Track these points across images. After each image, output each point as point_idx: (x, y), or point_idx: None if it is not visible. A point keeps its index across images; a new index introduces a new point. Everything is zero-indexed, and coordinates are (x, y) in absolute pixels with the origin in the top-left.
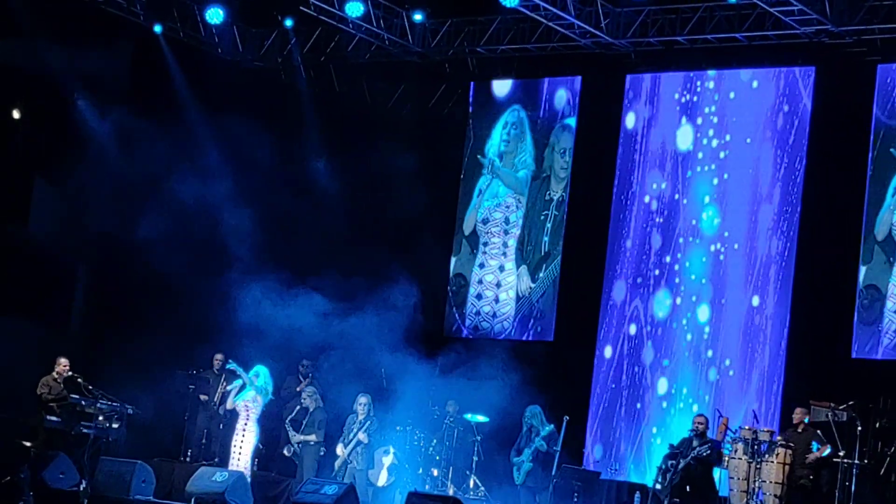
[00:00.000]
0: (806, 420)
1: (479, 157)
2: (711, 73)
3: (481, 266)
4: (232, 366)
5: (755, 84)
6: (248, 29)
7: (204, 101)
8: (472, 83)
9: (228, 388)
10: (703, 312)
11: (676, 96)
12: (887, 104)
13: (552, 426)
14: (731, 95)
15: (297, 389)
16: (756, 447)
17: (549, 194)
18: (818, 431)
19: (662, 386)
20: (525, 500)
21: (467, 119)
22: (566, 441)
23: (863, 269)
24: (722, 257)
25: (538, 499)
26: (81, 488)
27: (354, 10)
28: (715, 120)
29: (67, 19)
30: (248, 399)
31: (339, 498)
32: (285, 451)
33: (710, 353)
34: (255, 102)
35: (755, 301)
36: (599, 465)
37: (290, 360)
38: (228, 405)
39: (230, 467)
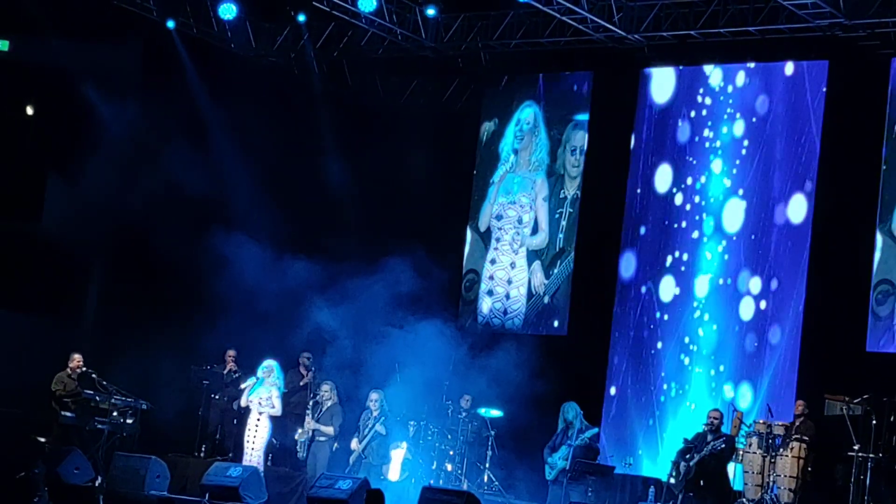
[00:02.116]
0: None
1: (495, 152)
2: (716, 67)
3: (493, 262)
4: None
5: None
6: (261, 24)
7: (217, 97)
8: (485, 78)
9: (242, 386)
10: (716, 306)
11: (687, 89)
12: None
13: (597, 429)
14: (746, 88)
15: (301, 383)
16: (770, 441)
17: (564, 192)
18: (812, 424)
19: (677, 380)
20: (554, 495)
21: (480, 114)
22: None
23: (876, 263)
24: (737, 251)
25: (570, 494)
26: (96, 484)
27: (367, 5)
28: (729, 113)
29: (80, 15)
30: (262, 396)
31: (353, 493)
32: (296, 436)
33: (723, 346)
34: (268, 98)
35: (769, 294)
36: (614, 460)
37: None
38: (242, 402)
39: (243, 462)
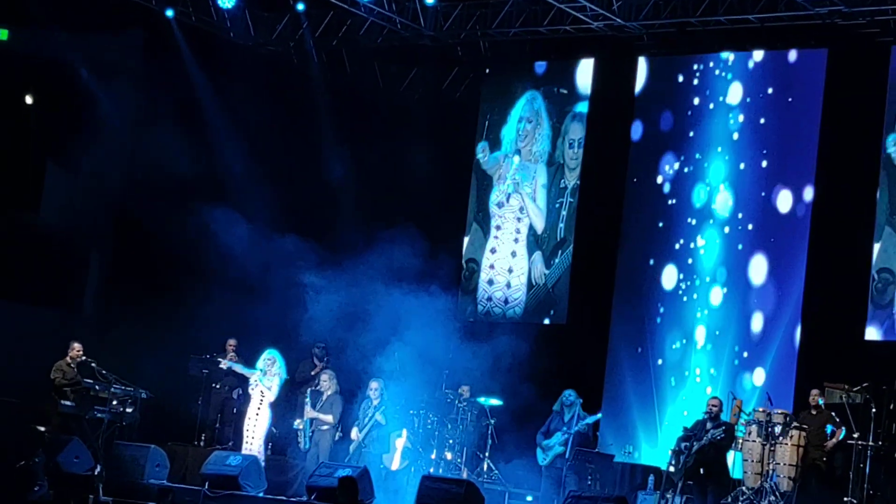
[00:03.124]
0: (821, 402)
1: (494, 141)
2: (725, 54)
3: (493, 251)
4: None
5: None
6: (260, 13)
7: (216, 86)
8: (485, 66)
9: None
10: (716, 294)
11: (685, 77)
12: None
13: (598, 416)
14: (746, 75)
15: (312, 374)
16: (770, 429)
17: (564, 182)
18: (832, 413)
19: (676, 368)
20: (549, 480)
21: (479, 103)
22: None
23: (876, 251)
24: (737, 239)
25: (566, 481)
26: (96, 472)
27: None
28: (729, 101)
29: (79, 4)
30: (263, 385)
31: None
32: (295, 424)
33: (722, 334)
34: (267, 87)
35: (768, 282)
36: (613, 448)
37: (302, 345)
38: (252, 380)
39: (243, 451)
